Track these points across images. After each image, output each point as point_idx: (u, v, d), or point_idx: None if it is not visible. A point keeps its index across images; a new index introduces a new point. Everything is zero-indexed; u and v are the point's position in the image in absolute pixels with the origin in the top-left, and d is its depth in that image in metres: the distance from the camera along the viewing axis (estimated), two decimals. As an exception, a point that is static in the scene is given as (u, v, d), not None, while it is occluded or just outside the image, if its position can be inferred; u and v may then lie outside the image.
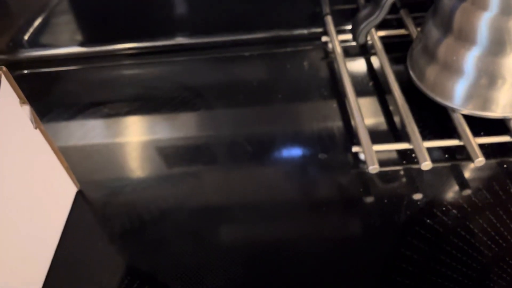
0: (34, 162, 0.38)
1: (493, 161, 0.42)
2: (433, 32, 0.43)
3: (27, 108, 0.36)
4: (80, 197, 0.43)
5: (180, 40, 0.57)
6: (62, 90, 0.56)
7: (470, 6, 0.39)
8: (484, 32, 0.39)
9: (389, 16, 0.56)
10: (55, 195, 0.40)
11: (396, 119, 0.47)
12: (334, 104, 0.49)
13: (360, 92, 0.49)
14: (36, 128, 0.37)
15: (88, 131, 0.50)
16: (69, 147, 0.48)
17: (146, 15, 0.56)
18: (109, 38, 0.58)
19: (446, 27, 0.41)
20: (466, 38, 0.40)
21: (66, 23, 0.56)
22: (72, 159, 0.45)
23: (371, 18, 0.43)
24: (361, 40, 0.46)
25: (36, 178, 0.38)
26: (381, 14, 0.42)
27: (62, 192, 0.42)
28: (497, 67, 0.40)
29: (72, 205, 0.42)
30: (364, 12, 0.44)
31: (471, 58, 0.40)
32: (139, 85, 0.54)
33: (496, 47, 0.39)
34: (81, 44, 0.58)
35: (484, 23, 0.38)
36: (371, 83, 0.51)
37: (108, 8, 0.55)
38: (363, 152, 0.41)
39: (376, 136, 0.44)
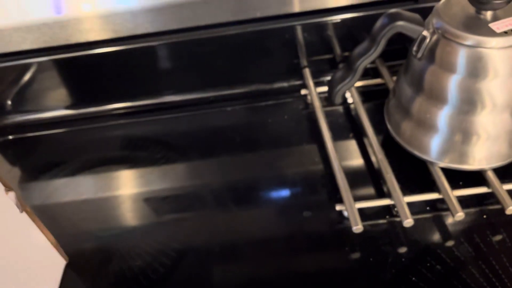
0: (22, 243, 0.38)
1: (472, 210, 0.44)
2: (406, 89, 0.44)
3: (12, 195, 0.36)
4: (69, 269, 0.43)
5: (164, 98, 0.58)
6: (48, 153, 0.56)
7: (438, 69, 0.40)
8: (454, 93, 0.40)
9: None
10: (43, 272, 0.41)
11: (377, 168, 0.48)
12: (316, 157, 0.50)
13: (340, 141, 0.51)
14: (22, 211, 0.38)
15: (76, 190, 0.50)
16: (56, 206, 0.49)
17: (130, 76, 0.57)
18: (93, 100, 0.59)
19: (418, 86, 0.43)
20: (437, 98, 0.41)
21: (49, 86, 0.57)
22: (59, 221, 0.46)
23: (346, 81, 0.44)
24: (337, 101, 0.47)
25: (24, 258, 0.38)
26: (355, 77, 0.44)
27: (51, 267, 0.42)
28: (470, 125, 0.41)
29: (62, 278, 0.43)
30: (338, 74, 0.45)
31: (443, 116, 0.42)
32: (125, 145, 0.55)
33: (467, 107, 0.40)
34: (66, 107, 0.58)
35: (453, 84, 0.40)
36: (351, 135, 0.52)
37: (92, 71, 0.56)
38: (346, 210, 0.42)
39: (359, 187, 0.45)
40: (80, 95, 0.58)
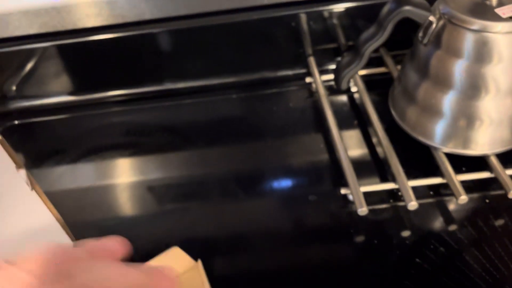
0: (31, 220, 0.39)
1: (475, 195, 0.44)
2: (412, 75, 0.45)
3: (23, 172, 0.37)
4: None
5: (168, 85, 0.59)
6: (52, 139, 0.56)
7: (444, 54, 0.41)
8: (459, 78, 0.41)
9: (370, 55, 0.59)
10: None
11: (382, 155, 0.49)
12: (321, 144, 0.51)
13: (345, 129, 0.51)
14: (32, 189, 0.38)
15: (79, 177, 0.50)
16: (61, 193, 0.49)
17: (134, 62, 0.58)
18: (97, 86, 0.59)
19: (424, 72, 0.43)
20: (442, 83, 0.42)
21: (54, 73, 0.57)
22: (64, 205, 0.45)
23: (352, 66, 0.45)
24: (344, 86, 0.48)
25: (33, 235, 0.39)
26: (362, 62, 0.45)
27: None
28: (474, 110, 0.42)
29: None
30: (345, 60, 0.46)
31: (448, 102, 0.42)
32: (129, 131, 0.55)
33: (471, 92, 0.41)
34: (70, 93, 0.59)
35: (458, 69, 0.41)
36: (355, 122, 0.53)
37: (96, 57, 0.56)
38: (351, 194, 0.43)
39: (363, 174, 0.46)
40: (84, 81, 0.59)
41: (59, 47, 0.55)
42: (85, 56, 0.57)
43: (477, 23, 0.39)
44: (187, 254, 0.39)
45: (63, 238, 0.43)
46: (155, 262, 0.39)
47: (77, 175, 0.51)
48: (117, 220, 0.46)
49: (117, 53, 0.56)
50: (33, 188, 0.38)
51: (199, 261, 0.39)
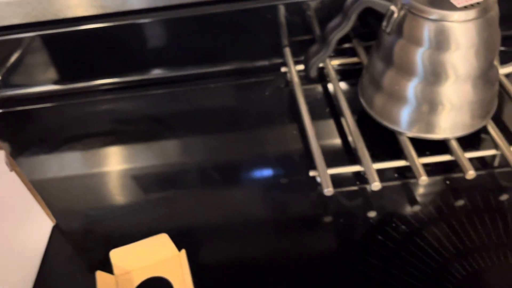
0: (10, 202, 0.40)
1: (437, 178, 0.47)
2: (378, 64, 0.47)
3: (2, 153, 0.38)
4: (57, 231, 0.46)
5: (149, 75, 0.61)
6: (37, 127, 0.58)
7: (406, 43, 0.43)
8: (421, 65, 0.43)
9: (344, 46, 0.61)
10: (31, 232, 0.43)
11: (351, 140, 0.51)
12: (295, 131, 0.53)
13: (317, 117, 0.53)
14: (11, 170, 0.40)
15: (64, 165, 0.52)
16: (46, 181, 0.51)
17: (117, 52, 0.59)
18: (81, 75, 0.60)
19: (388, 60, 0.45)
20: (406, 71, 0.44)
21: (39, 62, 0.59)
22: (49, 193, 0.47)
23: (320, 54, 0.47)
24: (313, 73, 0.50)
25: (12, 217, 0.40)
26: (329, 50, 0.47)
27: (39, 228, 0.44)
28: (436, 95, 0.44)
29: (49, 239, 0.45)
30: (314, 48, 0.48)
31: (412, 88, 0.45)
32: (112, 119, 0.57)
33: (433, 78, 0.43)
34: (55, 82, 0.60)
35: (419, 57, 0.43)
36: (327, 109, 0.55)
37: (80, 46, 0.58)
38: (319, 176, 0.45)
39: (332, 159, 0.48)
40: (68, 70, 0.60)
41: (43, 37, 0.56)
42: (69, 46, 0.58)
43: (435, 13, 0.41)
44: (173, 243, 0.41)
45: (43, 219, 0.44)
46: (141, 244, 0.41)
47: (61, 163, 0.52)
48: (102, 208, 0.47)
49: (100, 43, 0.58)
50: (12, 169, 0.40)
51: (183, 251, 0.41)
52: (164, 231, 0.42)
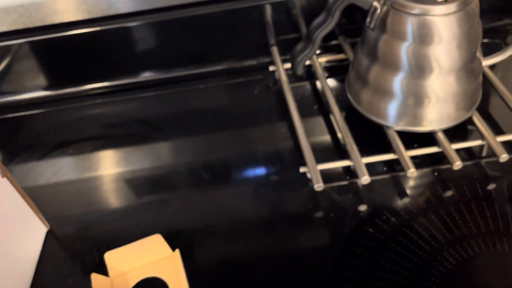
0: (3, 209, 0.40)
1: (426, 170, 0.47)
2: (363, 60, 0.48)
3: (-7, 160, 0.39)
4: (51, 236, 0.46)
5: (138, 78, 0.61)
6: (28, 134, 0.58)
7: (390, 38, 0.44)
8: (405, 59, 0.44)
9: (330, 43, 0.62)
10: (25, 237, 0.43)
11: (340, 136, 0.52)
12: (284, 128, 0.54)
13: (306, 114, 0.54)
14: (3, 177, 0.40)
15: (55, 171, 0.52)
16: (38, 187, 0.51)
17: (105, 56, 0.60)
18: (70, 80, 0.61)
19: (373, 56, 0.46)
20: (391, 65, 0.45)
21: (27, 68, 0.59)
22: (42, 199, 0.47)
23: (306, 52, 0.48)
24: (299, 71, 0.50)
25: (6, 223, 0.40)
26: (314, 47, 0.47)
27: (33, 233, 0.44)
28: (421, 89, 0.45)
29: (43, 244, 0.45)
30: (299, 46, 0.49)
31: (397, 82, 0.45)
32: (102, 124, 0.57)
33: (417, 72, 0.44)
34: (44, 88, 0.60)
35: (403, 51, 0.43)
36: (315, 106, 0.56)
37: (68, 52, 0.58)
38: (309, 172, 0.46)
39: (322, 155, 0.49)
40: (57, 76, 0.60)
41: (31, 43, 0.57)
42: (57, 52, 0.58)
43: (417, 8, 0.41)
44: (166, 243, 0.41)
45: (37, 224, 0.45)
46: (135, 245, 0.42)
47: (53, 169, 0.52)
48: (94, 211, 0.48)
49: (88, 48, 0.58)
50: (4, 175, 0.40)
51: (177, 251, 0.41)
52: (157, 232, 0.42)
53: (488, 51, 0.53)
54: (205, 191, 0.49)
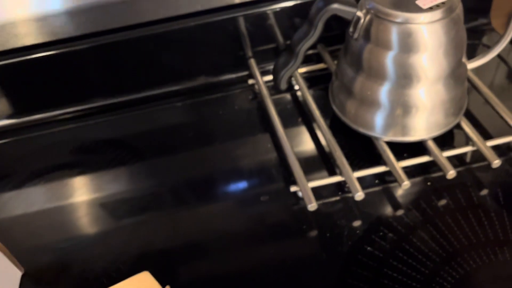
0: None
1: (418, 179, 0.46)
2: (347, 70, 0.46)
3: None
4: (26, 280, 0.42)
5: (111, 99, 0.58)
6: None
7: (374, 47, 0.42)
8: (391, 69, 0.42)
9: (308, 52, 0.60)
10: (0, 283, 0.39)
11: (328, 149, 0.50)
12: (269, 144, 0.51)
13: (291, 128, 0.52)
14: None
15: (27, 203, 0.49)
16: (10, 222, 0.47)
17: (73, 79, 0.56)
18: (37, 106, 0.57)
19: (357, 66, 0.45)
20: (376, 75, 0.43)
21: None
22: (14, 236, 0.44)
23: (289, 66, 0.46)
24: (283, 86, 0.48)
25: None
26: (298, 61, 0.45)
27: (6, 280, 0.41)
28: (408, 98, 0.44)
29: (19, 289, 0.41)
30: (282, 60, 0.47)
31: (383, 92, 0.44)
32: (74, 150, 0.54)
33: (404, 81, 0.43)
34: (9, 116, 0.56)
35: (389, 61, 0.42)
36: (299, 119, 0.54)
37: (33, 76, 0.55)
38: (300, 191, 0.44)
39: (312, 170, 0.47)
40: (23, 102, 0.57)
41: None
42: (21, 76, 0.55)
43: (401, 16, 0.40)
44: (155, 280, 0.39)
45: (10, 269, 0.41)
46: (123, 285, 0.39)
47: (24, 200, 0.49)
48: (71, 241, 0.45)
49: (55, 71, 0.55)
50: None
51: (168, 287, 0.39)
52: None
53: (467, 52, 0.53)
54: (191, 213, 0.46)
